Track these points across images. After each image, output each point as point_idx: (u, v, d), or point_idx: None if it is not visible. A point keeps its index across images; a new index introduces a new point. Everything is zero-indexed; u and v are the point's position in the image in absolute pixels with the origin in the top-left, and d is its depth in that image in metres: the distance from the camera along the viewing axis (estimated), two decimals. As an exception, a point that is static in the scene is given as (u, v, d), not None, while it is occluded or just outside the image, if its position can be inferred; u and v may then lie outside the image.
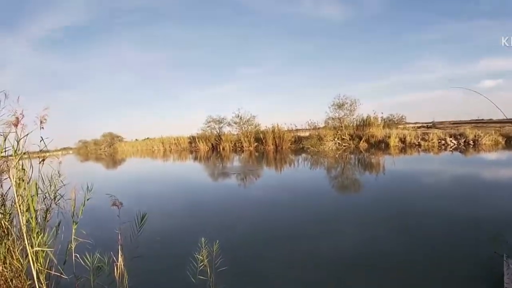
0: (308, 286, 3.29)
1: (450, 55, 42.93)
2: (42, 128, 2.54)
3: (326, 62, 51.03)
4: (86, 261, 2.48)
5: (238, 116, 27.61)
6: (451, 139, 18.51)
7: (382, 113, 21.94)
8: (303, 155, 18.30)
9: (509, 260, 3.16)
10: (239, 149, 25.80)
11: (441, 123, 30.65)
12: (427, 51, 44.00)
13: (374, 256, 3.89)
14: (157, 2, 48.65)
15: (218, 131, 29.81)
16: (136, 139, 44.36)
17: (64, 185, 2.72)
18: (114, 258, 2.56)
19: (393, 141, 19.06)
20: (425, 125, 30.46)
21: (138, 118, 61.09)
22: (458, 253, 3.77)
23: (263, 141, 24.36)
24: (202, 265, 2.62)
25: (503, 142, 17.57)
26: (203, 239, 2.65)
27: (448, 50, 43.64)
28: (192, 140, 31.81)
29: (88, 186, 2.68)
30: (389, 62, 48.58)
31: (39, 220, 2.48)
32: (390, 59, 47.89)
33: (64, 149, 46.62)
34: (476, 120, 31.28)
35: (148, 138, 41.60)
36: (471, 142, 17.88)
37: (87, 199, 2.66)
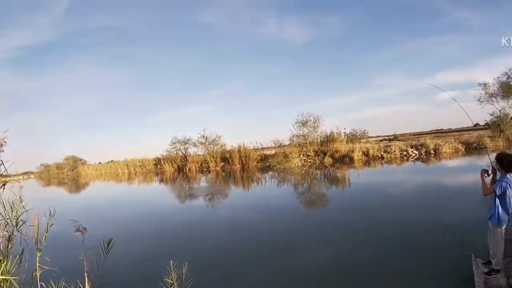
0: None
1: (408, 71, 46.44)
2: (2, 151, 2.46)
3: (291, 82, 53.04)
4: (52, 290, 2.40)
5: (204, 136, 27.51)
6: (412, 149, 19.66)
7: (345, 128, 23.00)
8: (270, 172, 18.50)
9: (478, 259, 3.41)
10: (206, 169, 25.53)
11: (403, 135, 32.43)
12: (387, 67, 47.10)
13: (345, 266, 4.05)
14: (124, 22, 48.73)
15: (184, 152, 29.32)
16: (100, 162, 42.80)
17: (26, 210, 2.62)
18: (81, 286, 2.49)
19: (357, 155, 19.89)
20: (387, 138, 32.00)
21: (103, 141, 59.24)
22: (427, 258, 3.98)
23: (230, 160, 24.34)
24: (171, 289, 2.61)
25: (463, 149, 18.96)
26: (171, 262, 2.63)
27: (406, 66, 47.32)
28: (158, 161, 31.03)
29: (50, 212, 2.61)
30: (350, 80, 51.80)
31: (1, 247, 2.36)
32: (351, 76, 51.11)
33: (26, 173, 44.38)
34: (436, 130, 33.42)
35: (112, 161, 40.26)
36: (432, 151, 19.10)
37: (51, 225, 2.57)
